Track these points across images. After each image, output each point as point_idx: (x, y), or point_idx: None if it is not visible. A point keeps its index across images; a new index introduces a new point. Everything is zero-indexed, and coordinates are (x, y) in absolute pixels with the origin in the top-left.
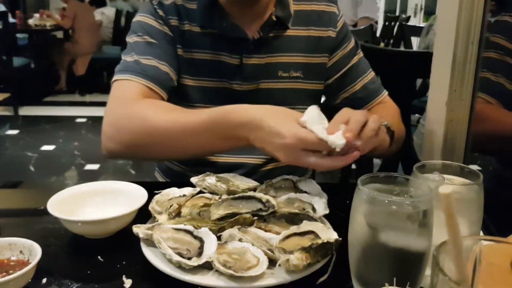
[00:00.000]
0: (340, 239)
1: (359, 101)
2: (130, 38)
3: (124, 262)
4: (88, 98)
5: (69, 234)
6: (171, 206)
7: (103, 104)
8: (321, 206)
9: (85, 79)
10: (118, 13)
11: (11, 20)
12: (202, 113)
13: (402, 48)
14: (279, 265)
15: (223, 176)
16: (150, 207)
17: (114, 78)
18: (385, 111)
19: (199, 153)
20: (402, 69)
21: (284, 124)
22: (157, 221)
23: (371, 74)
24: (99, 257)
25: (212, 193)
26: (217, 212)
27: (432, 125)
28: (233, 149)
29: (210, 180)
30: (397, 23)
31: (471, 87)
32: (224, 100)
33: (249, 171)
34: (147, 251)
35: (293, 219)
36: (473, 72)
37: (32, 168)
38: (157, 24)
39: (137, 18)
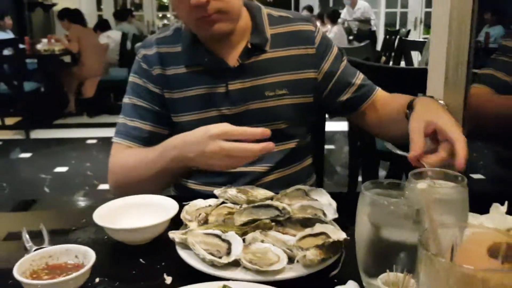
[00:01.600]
0: (348, 238)
1: (361, 97)
2: (124, 99)
3: (163, 263)
4: (96, 119)
5: (111, 242)
6: (199, 215)
7: (111, 125)
8: (330, 211)
9: (93, 101)
10: (124, 36)
11: (20, 46)
12: (156, 147)
13: (403, 62)
14: (297, 261)
15: (242, 188)
16: (181, 216)
17: (112, 139)
18: (397, 97)
19: (163, 179)
20: (401, 85)
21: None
22: (189, 227)
23: (361, 74)
24: (140, 259)
25: (233, 203)
26: (240, 219)
27: None
28: (185, 169)
29: (231, 192)
30: (398, 37)
31: (462, 102)
32: None
33: (253, 180)
34: (182, 253)
35: (307, 223)
36: (463, 89)
37: (47, 190)
38: (142, 82)
39: (130, 77)
